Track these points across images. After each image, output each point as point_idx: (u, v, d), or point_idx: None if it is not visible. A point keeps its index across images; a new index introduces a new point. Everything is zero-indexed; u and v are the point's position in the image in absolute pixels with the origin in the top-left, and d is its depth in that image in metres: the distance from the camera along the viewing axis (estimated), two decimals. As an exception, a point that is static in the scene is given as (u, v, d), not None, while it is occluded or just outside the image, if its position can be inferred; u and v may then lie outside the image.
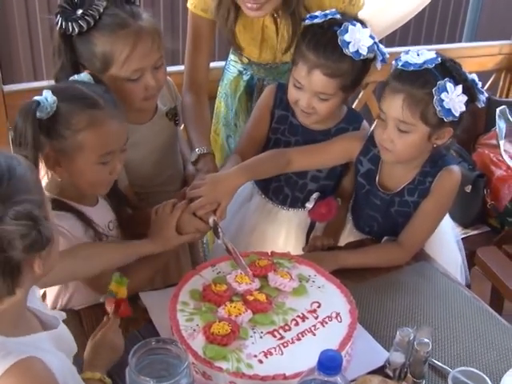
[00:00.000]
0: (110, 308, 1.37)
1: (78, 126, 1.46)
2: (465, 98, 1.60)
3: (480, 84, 1.67)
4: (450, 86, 1.58)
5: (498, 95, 3.38)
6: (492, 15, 4.80)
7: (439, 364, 1.44)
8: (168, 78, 1.97)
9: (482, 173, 2.72)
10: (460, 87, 1.59)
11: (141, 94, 1.74)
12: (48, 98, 1.43)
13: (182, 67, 2.42)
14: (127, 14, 1.67)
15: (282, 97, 1.92)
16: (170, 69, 2.25)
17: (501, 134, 2.81)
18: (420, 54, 1.63)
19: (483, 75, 3.22)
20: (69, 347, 1.16)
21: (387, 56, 1.77)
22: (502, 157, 2.76)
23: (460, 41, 4.81)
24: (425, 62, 1.61)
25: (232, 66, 2.23)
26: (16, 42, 3.82)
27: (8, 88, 2.34)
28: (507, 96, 3.38)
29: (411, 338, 1.36)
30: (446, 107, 1.58)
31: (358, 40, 1.68)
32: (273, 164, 1.85)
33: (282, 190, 2.01)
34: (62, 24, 1.64)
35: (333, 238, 1.93)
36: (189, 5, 2.01)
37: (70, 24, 1.63)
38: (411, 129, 1.65)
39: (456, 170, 1.78)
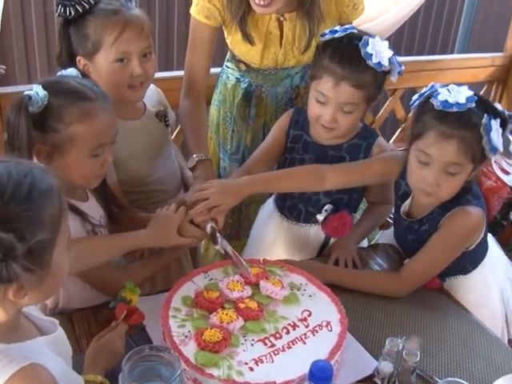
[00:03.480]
0: (121, 314, 1.38)
1: (70, 119, 1.48)
2: (501, 131, 1.59)
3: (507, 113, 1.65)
4: (493, 123, 1.56)
5: (489, 106, 3.41)
6: (484, 27, 4.85)
7: (427, 374, 1.45)
8: (156, 87, 2.02)
9: (472, 183, 2.74)
10: (498, 121, 1.58)
11: (126, 80, 1.79)
12: (39, 92, 1.45)
13: (174, 73, 2.45)
14: (120, 4, 1.78)
15: (297, 119, 1.96)
16: (163, 74, 2.29)
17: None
18: (457, 91, 1.59)
19: (475, 86, 3.25)
20: (66, 351, 1.17)
21: (403, 68, 1.79)
22: (492, 168, 2.78)
23: (452, 52, 4.86)
24: (467, 101, 1.57)
25: (229, 73, 2.24)
26: (11, 44, 3.82)
27: (2, 90, 2.34)
28: (498, 107, 3.41)
29: (400, 348, 1.38)
30: (495, 146, 1.56)
31: (379, 52, 1.72)
32: (306, 179, 1.86)
33: (296, 207, 2.01)
34: (60, 10, 1.73)
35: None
36: (192, 11, 2.04)
37: (68, 8, 1.73)
38: (460, 170, 1.62)
39: (473, 212, 1.69)
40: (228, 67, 2.25)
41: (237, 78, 2.22)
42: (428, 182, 1.64)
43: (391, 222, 2.00)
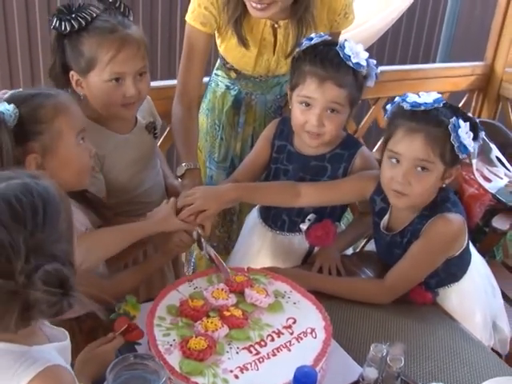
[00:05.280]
0: (120, 327, 1.38)
1: (48, 116, 1.50)
2: (471, 134, 1.62)
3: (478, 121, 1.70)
4: (461, 123, 1.61)
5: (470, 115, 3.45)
6: (465, 37, 4.90)
7: (412, 379, 1.46)
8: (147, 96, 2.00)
9: (454, 191, 2.76)
10: (468, 124, 1.62)
11: (119, 100, 1.78)
12: (7, 106, 1.45)
13: (158, 83, 2.44)
14: (117, 22, 1.76)
15: (283, 128, 1.97)
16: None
17: (473, 152, 2.86)
18: (427, 95, 1.66)
19: (456, 95, 3.30)
20: (69, 361, 1.17)
21: (378, 71, 1.83)
22: (474, 175, 2.81)
23: (434, 61, 4.91)
24: (435, 102, 1.64)
25: (219, 81, 2.25)
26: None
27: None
28: (479, 115, 3.44)
29: (384, 354, 1.39)
30: (463, 143, 1.61)
31: (356, 53, 1.76)
32: (280, 194, 1.90)
33: (280, 216, 2.02)
34: (56, 23, 1.72)
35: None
36: (188, 18, 2.03)
37: (63, 23, 1.71)
38: (430, 167, 1.65)
39: (453, 219, 1.71)
40: (218, 75, 2.26)
41: (226, 86, 2.23)
42: (399, 180, 1.66)
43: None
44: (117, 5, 1.79)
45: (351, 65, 1.75)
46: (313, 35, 1.83)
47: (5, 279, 0.92)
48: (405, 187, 1.67)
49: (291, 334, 1.47)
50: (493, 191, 2.68)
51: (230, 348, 1.41)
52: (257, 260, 2.02)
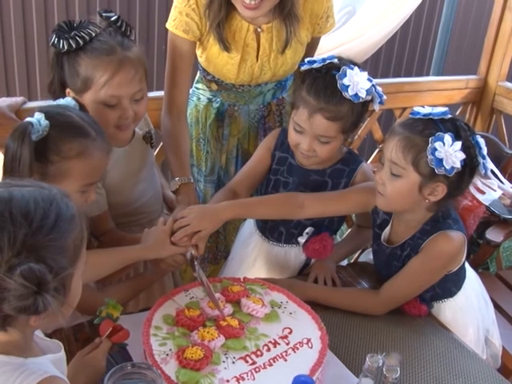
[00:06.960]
0: (106, 331, 1.37)
1: (68, 154, 1.48)
2: (462, 155, 1.57)
3: (485, 150, 1.65)
4: (448, 138, 1.56)
5: (464, 128, 3.47)
6: (458, 51, 4.95)
7: (407, 390, 1.47)
8: None
9: (448, 203, 2.78)
10: (459, 143, 1.57)
11: (114, 121, 1.76)
12: (41, 121, 1.43)
13: (154, 93, 2.44)
14: (117, 43, 1.73)
15: (283, 140, 1.95)
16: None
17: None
18: (432, 108, 1.65)
19: (450, 108, 3.30)
20: (64, 373, 1.17)
21: (384, 98, 1.78)
22: (468, 187, 2.82)
23: (428, 74, 4.94)
24: (431, 114, 1.62)
25: (200, 95, 2.22)
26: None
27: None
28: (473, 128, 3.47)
29: (380, 364, 1.39)
30: (438, 157, 1.56)
31: (356, 83, 1.70)
32: (282, 207, 1.86)
33: (277, 228, 2.00)
34: (54, 40, 1.70)
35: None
36: (169, 26, 2.00)
37: (61, 41, 1.69)
38: (402, 173, 1.64)
39: (455, 236, 1.70)
40: (198, 88, 2.23)
41: (208, 99, 2.20)
42: (376, 179, 1.71)
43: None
44: (118, 24, 1.77)
45: (347, 96, 1.70)
46: (315, 58, 1.78)
47: None
48: (380, 187, 1.70)
49: (287, 344, 1.48)
50: (486, 203, 2.68)
51: (227, 358, 1.41)
52: (252, 271, 2.02)
